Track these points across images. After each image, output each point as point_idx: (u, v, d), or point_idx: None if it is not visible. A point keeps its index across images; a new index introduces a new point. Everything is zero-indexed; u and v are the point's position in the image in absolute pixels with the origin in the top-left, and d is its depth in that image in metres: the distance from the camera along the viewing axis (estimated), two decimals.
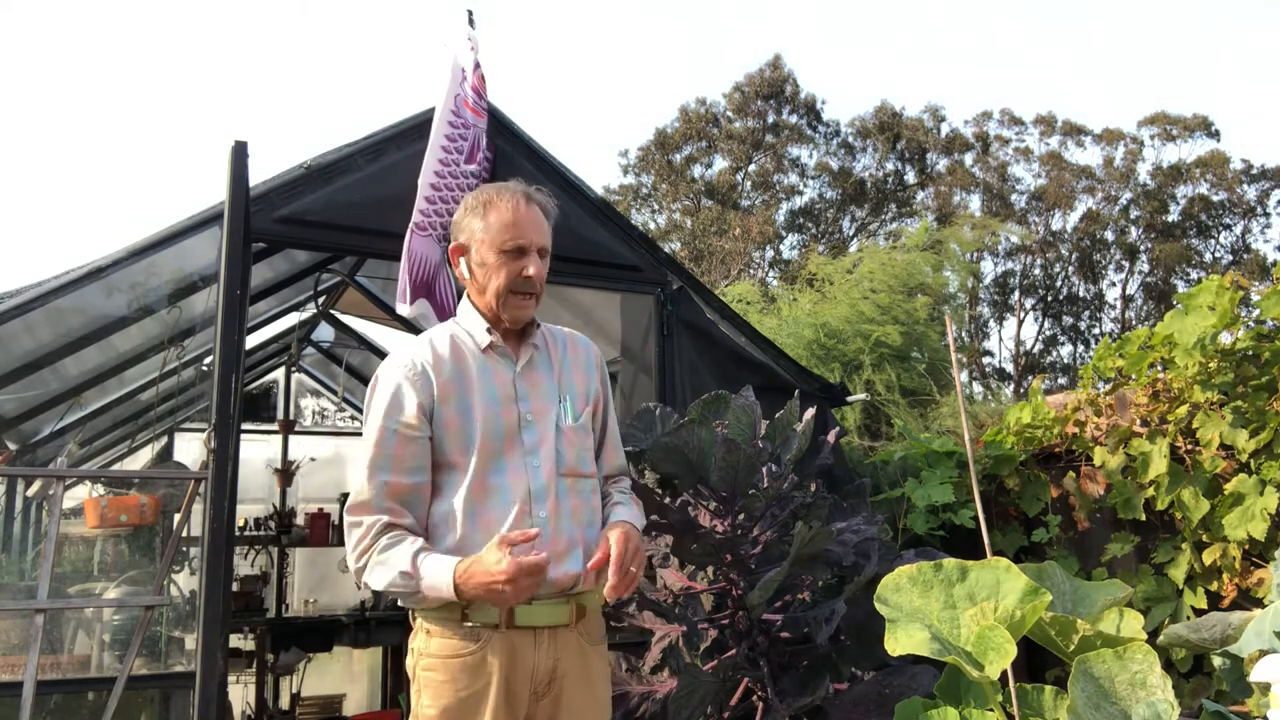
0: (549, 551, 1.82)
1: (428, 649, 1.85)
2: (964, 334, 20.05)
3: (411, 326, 4.88)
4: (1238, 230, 25.23)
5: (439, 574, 1.77)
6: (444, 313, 3.21)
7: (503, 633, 1.82)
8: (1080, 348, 25.39)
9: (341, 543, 5.97)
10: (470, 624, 1.82)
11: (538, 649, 1.85)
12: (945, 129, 25.53)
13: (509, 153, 3.58)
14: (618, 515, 1.99)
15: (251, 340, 5.48)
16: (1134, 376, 3.75)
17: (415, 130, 3.41)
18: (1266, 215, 25.00)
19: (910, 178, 25.58)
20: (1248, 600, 3.27)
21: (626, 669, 2.92)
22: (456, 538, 1.85)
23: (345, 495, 6.05)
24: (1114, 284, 25.83)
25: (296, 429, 6.40)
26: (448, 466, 1.89)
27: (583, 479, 1.98)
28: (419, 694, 1.84)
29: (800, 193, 25.33)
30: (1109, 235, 25.17)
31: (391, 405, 1.87)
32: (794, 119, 25.11)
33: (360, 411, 7.11)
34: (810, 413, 2.90)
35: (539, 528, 1.82)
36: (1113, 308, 25.73)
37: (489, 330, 1.96)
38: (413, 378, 1.88)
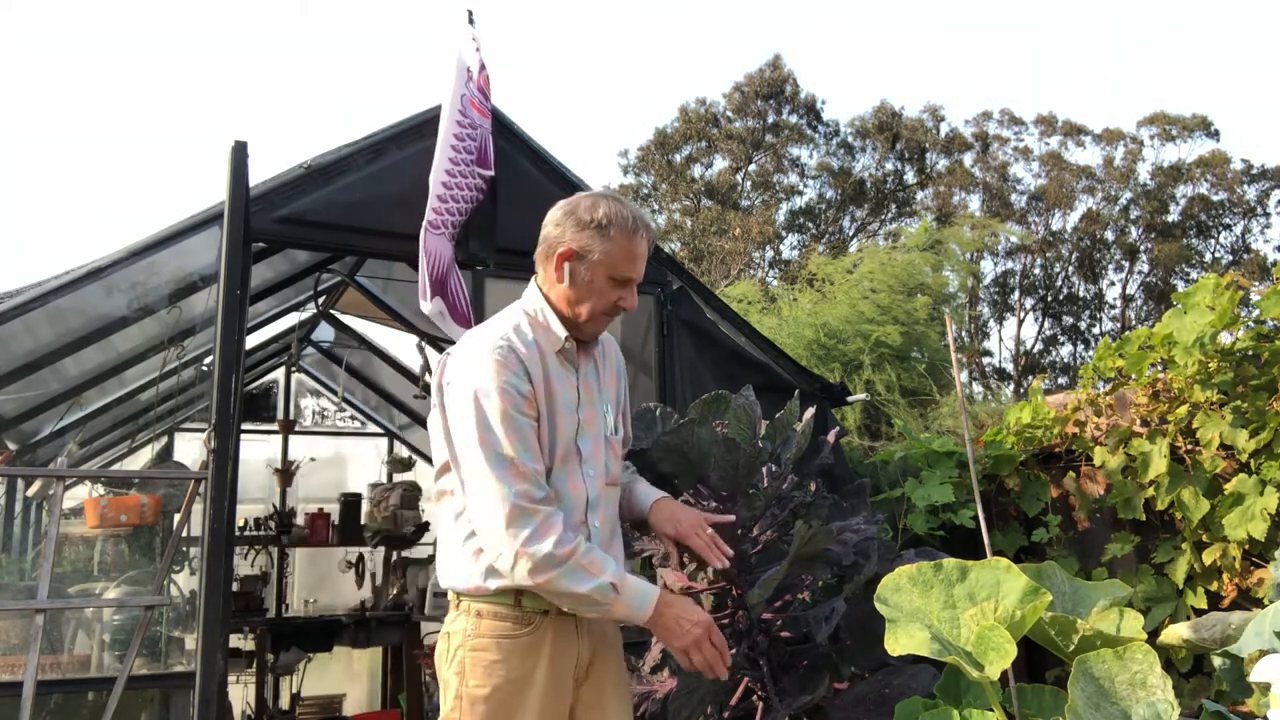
0: None
1: (478, 629, 1.87)
2: (964, 334, 20.04)
3: (413, 326, 4.88)
4: (1238, 230, 25.24)
5: (639, 597, 1.84)
6: (455, 310, 3.22)
7: (553, 618, 1.89)
8: (1080, 348, 25.39)
9: (341, 542, 5.99)
10: (524, 609, 1.87)
11: (579, 637, 1.94)
12: (945, 129, 25.52)
13: (509, 153, 3.57)
14: (647, 489, 2.21)
15: (251, 340, 5.47)
16: (1134, 376, 3.75)
17: (415, 130, 3.40)
18: (1266, 215, 25.00)
19: (910, 178, 25.57)
20: (1248, 600, 3.27)
21: (626, 669, 2.92)
22: None
23: (345, 495, 6.05)
24: (1114, 284, 25.85)
25: (296, 429, 6.40)
26: None
27: (617, 488, 2.10)
28: (463, 675, 1.86)
29: (800, 193, 25.33)
30: (1109, 235, 25.17)
31: (510, 391, 1.84)
32: (794, 119, 25.10)
33: (360, 412, 7.16)
34: (810, 413, 2.90)
35: (592, 535, 1.94)
36: (1113, 308, 25.74)
37: (566, 338, 1.97)
38: (518, 369, 1.87)
